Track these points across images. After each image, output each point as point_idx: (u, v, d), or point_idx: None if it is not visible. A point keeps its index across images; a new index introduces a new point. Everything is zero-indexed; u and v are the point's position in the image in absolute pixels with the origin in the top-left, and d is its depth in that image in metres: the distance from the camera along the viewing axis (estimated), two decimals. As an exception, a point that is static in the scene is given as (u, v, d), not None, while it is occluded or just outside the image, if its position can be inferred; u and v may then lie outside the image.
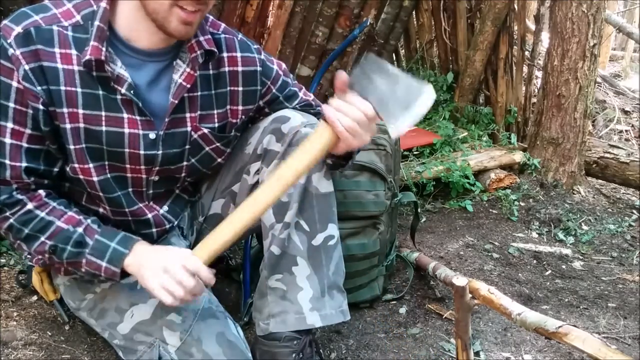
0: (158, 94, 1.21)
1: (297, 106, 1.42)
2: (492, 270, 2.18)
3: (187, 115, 1.25)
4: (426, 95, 1.05)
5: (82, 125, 1.16)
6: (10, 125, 1.12)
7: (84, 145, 1.18)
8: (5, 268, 1.81)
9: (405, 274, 2.02)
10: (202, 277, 1.13)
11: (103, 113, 1.16)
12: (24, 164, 1.14)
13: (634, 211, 2.94)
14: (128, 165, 1.24)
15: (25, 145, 1.14)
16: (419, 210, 2.10)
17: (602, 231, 2.67)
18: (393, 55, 3.74)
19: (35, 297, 1.65)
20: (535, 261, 2.33)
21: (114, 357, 1.43)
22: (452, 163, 2.84)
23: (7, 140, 1.13)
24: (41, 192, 1.19)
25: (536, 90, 3.69)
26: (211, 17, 1.29)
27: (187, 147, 1.28)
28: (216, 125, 1.30)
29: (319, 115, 1.44)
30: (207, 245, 1.14)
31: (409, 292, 1.93)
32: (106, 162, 1.22)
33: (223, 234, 1.14)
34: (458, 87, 3.41)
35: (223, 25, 1.31)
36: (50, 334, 1.52)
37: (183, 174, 1.34)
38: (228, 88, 1.30)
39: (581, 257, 2.43)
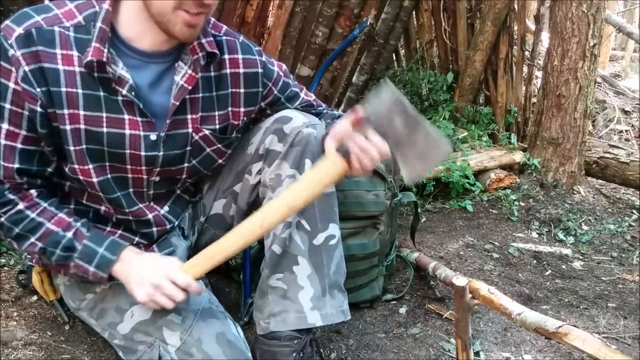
0: (159, 96, 1.21)
1: (298, 107, 1.42)
2: (492, 270, 2.18)
3: (189, 116, 1.26)
4: (443, 150, 1.05)
5: (82, 126, 1.16)
6: (5, 126, 1.12)
7: (84, 147, 1.18)
8: (5, 268, 1.81)
9: (405, 274, 2.02)
10: (192, 291, 1.17)
11: (104, 114, 1.16)
12: (16, 165, 1.15)
13: (634, 211, 2.94)
14: (129, 166, 1.24)
15: (19, 146, 1.14)
16: (419, 210, 2.10)
17: (602, 231, 2.67)
18: (393, 55, 3.75)
19: (35, 297, 1.65)
20: (535, 261, 2.33)
21: (114, 357, 1.43)
22: (452, 163, 2.84)
23: (2, 141, 1.13)
24: (33, 192, 1.20)
25: (536, 90, 3.70)
26: (213, 19, 1.30)
27: (188, 148, 1.29)
28: (217, 126, 1.31)
29: (320, 115, 1.44)
30: (200, 263, 1.17)
31: (409, 292, 1.93)
32: (107, 163, 1.22)
33: (221, 250, 1.16)
34: (458, 87, 3.42)
35: (225, 27, 1.32)
36: (50, 334, 1.52)
37: (184, 175, 1.34)
38: (229, 90, 1.31)
39: (581, 257, 2.43)
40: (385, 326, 1.75)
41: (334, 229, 1.35)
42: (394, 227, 1.92)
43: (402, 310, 1.85)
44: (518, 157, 3.09)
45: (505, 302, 1.39)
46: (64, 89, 1.12)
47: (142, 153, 1.22)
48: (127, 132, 1.19)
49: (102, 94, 1.15)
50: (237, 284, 1.86)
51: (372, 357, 1.60)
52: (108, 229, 1.33)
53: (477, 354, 1.61)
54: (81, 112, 1.15)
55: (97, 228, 1.31)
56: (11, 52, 1.08)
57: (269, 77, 1.36)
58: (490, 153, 3.06)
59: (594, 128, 4.53)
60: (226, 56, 1.28)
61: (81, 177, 1.21)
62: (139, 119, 1.19)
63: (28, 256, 1.39)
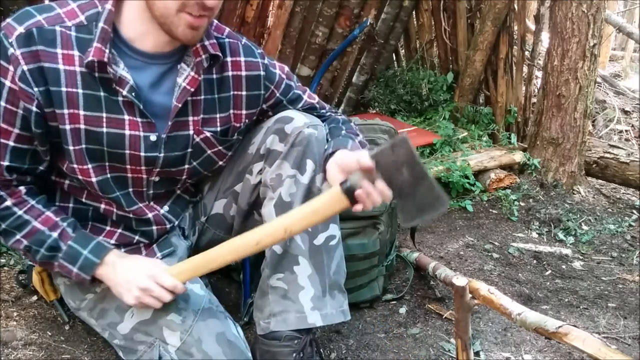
0: (160, 97, 1.21)
1: (300, 109, 1.42)
2: (492, 270, 2.18)
3: (190, 118, 1.26)
4: (441, 206, 1.09)
5: (82, 126, 1.16)
6: None
7: (83, 146, 1.18)
8: (5, 268, 1.81)
9: (405, 274, 2.02)
10: (179, 293, 1.19)
11: (104, 114, 1.16)
12: (6, 163, 1.15)
13: (634, 211, 2.94)
14: (128, 166, 1.24)
15: (11, 144, 1.15)
16: (419, 210, 2.10)
17: (602, 231, 2.67)
18: (393, 55, 3.75)
19: (35, 297, 1.65)
20: (535, 261, 2.33)
21: (114, 357, 1.43)
22: (452, 163, 2.84)
23: None
24: (22, 188, 1.20)
25: (536, 90, 3.70)
26: (216, 21, 1.29)
27: (189, 150, 1.29)
28: (219, 129, 1.31)
29: (322, 117, 1.43)
30: (187, 270, 1.19)
31: (409, 292, 1.93)
32: (106, 163, 1.22)
33: (211, 261, 1.17)
34: (458, 87, 3.42)
35: (227, 29, 1.32)
36: (50, 334, 1.52)
37: (184, 176, 1.34)
38: (231, 92, 1.31)
39: (581, 257, 2.43)
40: (385, 326, 1.75)
41: (335, 229, 1.35)
42: (394, 227, 1.92)
43: (402, 310, 1.85)
44: (518, 157, 3.09)
45: (505, 302, 1.39)
46: (64, 89, 1.12)
47: (142, 154, 1.22)
48: (127, 132, 1.19)
49: (102, 94, 1.15)
50: (237, 284, 1.86)
51: (372, 357, 1.60)
52: (108, 227, 1.33)
53: (477, 354, 1.62)
54: (81, 112, 1.15)
55: (94, 227, 1.31)
56: (11, 50, 1.08)
57: (271, 79, 1.36)
58: (490, 153, 3.07)
59: (594, 128, 4.53)
60: (228, 59, 1.28)
61: (80, 177, 1.21)
62: (139, 119, 1.19)
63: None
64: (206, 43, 1.21)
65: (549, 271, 2.25)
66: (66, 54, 1.12)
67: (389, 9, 3.35)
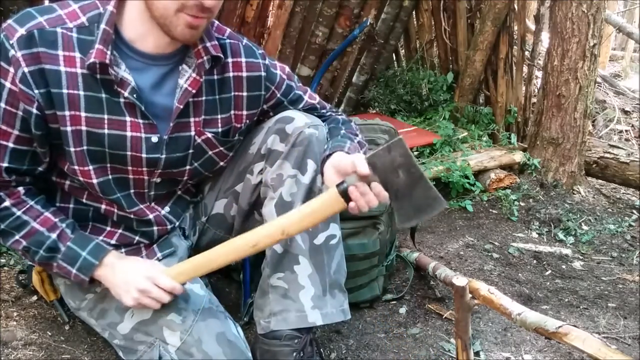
0: (161, 98, 1.21)
1: (301, 109, 1.42)
2: (492, 270, 2.18)
3: (191, 119, 1.26)
4: (438, 207, 1.12)
5: (84, 128, 1.16)
6: None
7: (85, 148, 1.18)
8: (5, 268, 1.81)
9: (405, 274, 2.02)
10: (177, 293, 1.20)
11: (105, 116, 1.16)
12: (5, 164, 1.15)
13: (634, 211, 2.94)
14: (130, 168, 1.24)
15: (10, 145, 1.15)
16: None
17: (602, 231, 2.67)
18: (393, 55, 3.75)
19: (35, 297, 1.65)
20: (535, 261, 2.33)
21: (114, 357, 1.43)
22: (452, 163, 2.84)
23: None
24: (20, 189, 1.20)
25: (536, 90, 3.70)
26: (217, 22, 1.29)
27: (191, 151, 1.29)
28: (220, 129, 1.31)
29: (322, 117, 1.43)
30: (186, 271, 1.19)
31: (409, 292, 1.93)
32: (108, 165, 1.22)
33: (210, 262, 1.18)
34: (458, 87, 3.42)
35: (228, 30, 1.32)
36: (50, 334, 1.52)
37: (185, 177, 1.34)
38: (232, 93, 1.31)
39: (581, 257, 2.43)
40: (385, 326, 1.75)
41: (335, 229, 1.36)
42: (394, 227, 1.92)
43: (402, 310, 1.85)
44: (518, 157, 3.09)
45: (505, 302, 1.39)
46: (65, 91, 1.12)
47: (144, 155, 1.22)
48: (129, 134, 1.19)
49: (103, 95, 1.15)
50: (237, 284, 1.86)
51: (372, 357, 1.60)
52: (108, 228, 1.33)
53: (477, 354, 1.62)
54: (82, 114, 1.15)
55: (95, 227, 1.31)
56: (12, 52, 1.08)
57: (272, 80, 1.35)
58: (490, 153, 3.07)
59: (594, 128, 4.53)
60: (229, 59, 1.28)
61: (81, 178, 1.21)
62: (140, 121, 1.19)
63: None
64: (208, 44, 1.21)
65: (549, 271, 2.25)
66: (67, 56, 1.11)
67: (389, 9, 3.35)
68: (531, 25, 4.07)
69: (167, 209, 1.38)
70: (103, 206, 1.29)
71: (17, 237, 1.20)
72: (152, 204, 1.34)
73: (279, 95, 1.38)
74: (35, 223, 1.20)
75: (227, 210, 1.45)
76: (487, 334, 1.73)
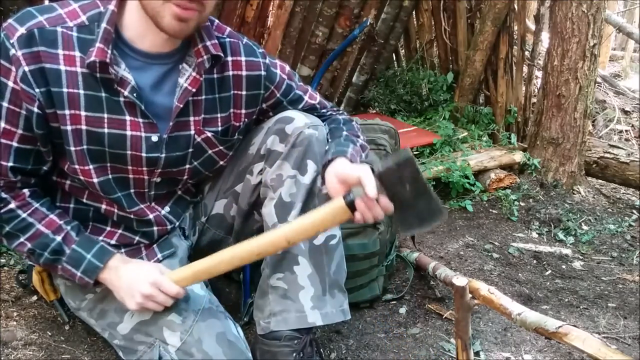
0: (161, 97, 1.21)
1: (301, 110, 1.42)
2: (492, 270, 2.18)
3: (191, 118, 1.26)
4: (439, 217, 1.14)
5: (84, 127, 1.16)
6: (1, 124, 1.13)
7: (85, 147, 1.18)
8: (5, 268, 1.81)
9: (405, 274, 2.02)
10: (180, 297, 1.20)
11: (105, 115, 1.16)
12: (10, 163, 1.16)
13: (634, 211, 2.94)
14: (130, 167, 1.24)
15: (15, 144, 1.15)
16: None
17: (602, 231, 2.67)
18: (393, 55, 3.75)
19: (35, 297, 1.65)
20: (535, 261, 2.33)
21: (114, 357, 1.43)
22: (452, 163, 2.84)
23: None
24: (25, 191, 1.20)
25: (536, 90, 3.70)
26: (217, 21, 1.29)
27: (190, 150, 1.29)
28: (219, 128, 1.31)
29: (323, 117, 1.43)
30: (189, 277, 1.20)
31: (409, 292, 1.93)
32: (108, 164, 1.22)
33: (213, 267, 1.18)
34: (458, 87, 3.42)
35: (228, 29, 1.31)
36: (50, 334, 1.52)
37: (185, 176, 1.34)
38: (232, 92, 1.30)
39: (581, 257, 2.43)
40: (385, 326, 1.75)
41: (335, 229, 1.35)
42: (394, 227, 1.92)
43: (402, 310, 1.85)
44: (518, 157, 3.09)
45: (505, 302, 1.39)
46: (65, 90, 1.13)
47: (143, 154, 1.22)
48: (128, 133, 1.19)
49: (103, 94, 1.15)
50: (237, 284, 1.86)
51: (372, 357, 1.60)
52: (108, 228, 1.33)
53: (477, 354, 1.62)
54: (82, 113, 1.15)
55: (95, 227, 1.31)
56: (12, 51, 1.08)
57: (272, 80, 1.35)
58: (490, 153, 3.07)
59: (594, 128, 4.53)
60: (229, 58, 1.28)
61: (82, 177, 1.21)
62: (140, 120, 1.19)
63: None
64: (207, 43, 1.21)
65: (549, 271, 2.25)
66: (67, 55, 1.12)
67: (389, 9, 3.35)
68: (531, 25, 4.07)
69: (167, 208, 1.38)
70: (103, 206, 1.29)
71: (22, 239, 1.19)
72: (152, 203, 1.34)
73: (278, 95, 1.38)
74: (40, 225, 1.20)
75: (226, 210, 1.45)
76: (487, 334, 1.73)
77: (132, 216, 1.30)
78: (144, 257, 1.35)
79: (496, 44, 3.24)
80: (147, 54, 1.18)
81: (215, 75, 1.27)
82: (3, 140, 1.14)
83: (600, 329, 1.80)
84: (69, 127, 1.15)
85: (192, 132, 1.27)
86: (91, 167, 1.20)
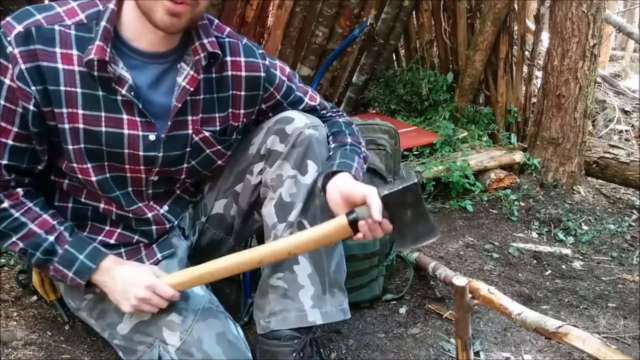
0: (159, 96, 1.21)
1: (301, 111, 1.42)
2: (492, 270, 2.18)
3: (189, 118, 1.26)
4: (434, 237, 1.20)
5: (81, 125, 1.16)
6: None
7: (82, 146, 1.18)
8: (5, 268, 1.81)
9: (405, 274, 2.02)
10: (175, 300, 1.21)
11: (102, 114, 1.16)
12: (5, 161, 1.15)
13: (634, 211, 2.94)
14: (127, 166, 1.24)
15: (10, 142, 1.15)
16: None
17: (602, 231, 2.67)
18: (393, 55, 3.75)
19: (35, 297, 1.65)
20: (535, 261, 2.33)
21: (114, 357, 1.43)
22: (452, 163, 2.84)
23: None
24: (19, 190, 1.20)
25: (536, 90, 3.70)
26: (216, 21, 1.29)
27: (188, 149, 1.29)
28: (218, 128, 1.31)
29: (323, 119, 1.43)
30: (187, 281, 1.21)
31: (409, 292, 1.93)
32: (105, 163, 1.22)
33: (213, 273, 1.20)
34: (458, 87, 3.42)
35: (228, 29, 1.31)
36: (50, 334, 1.52)
37: (183, 176, 1.34)
38: (230, 92, 1.30)
39: (581, 257, 2.43)
40: (385, 326, 1.75)
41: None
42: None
43: (402, 310, 1.85)
44: (518, 157, 3.09)
45: (505, 302, 1.39)
46: (62, 88, 1.13)
47: (141, 153, 1.22)
48: (126, 132, 1.19)
49: (101, 93, 1.15)
50: (237, 284, 1.86)
51: (372, 357, 1.60)
52: (107, 227, 1.33)
53: (477, 354, 1.62)
54: (80, 112, 1.15)
55: (93, 226, 1.31)
56: (9, 49, 1.08)
57: (272, 81, 1.35)
58: (490, 153, 3.07)
59: (594, 128, 4.53)
60: (228, 58, 1.28)
61: (80, 176, 1.21)
62: (137, 119, 1.19)
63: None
64: (205, 41, 1.21)
65: (549, 271, 2.25)
66: (65, 53, 1.12)
67: (389, 9, 3.35)
68: (531, 25, 4.07)
69: (165, 207, 1.37)
70: (102, 205, 1.29)
71: (14, 238, 1.19)
72: (151, 202, 1.34)
73: (278, 97, 1.38)
74: (33, 225, 1.19)
75: (226, 210, 1.45)
76: (487, 334, 1.73)
77: (130, 215, 1.30)
78: (144, 257, 1.34)
79: (496, 44, 3.24)
80: (145, 53, 1.18)
81: (213, 75, 1.27)
82: None
83: (600, 329, 1.80)
84: (66, 126, 1.15)
85: (190, 131, 1.27)
86: (89, 165, 1.20)
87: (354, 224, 1.15)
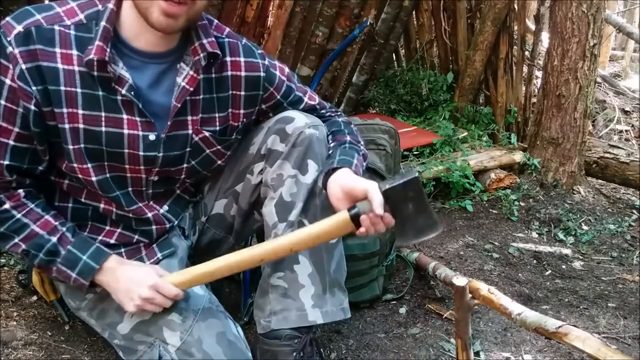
0: (159, 96, 1.21)
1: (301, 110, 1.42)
2: (492, 270, 2.18)
3: (189, 118, 1.26)
4: (436, 231, 1.20)
5: (81, 125, 1.16)
6: None
7: (82, 146, 1.18)
8: (5, 268, 1.81)
9: (405, 274, 2.02)
10: (179, 299, 1.21)
11: (102, 114, 1.16)
12: (6, 162, 1.15)
13: (634, 211, 2.94)
14: (127, 166, 1.24)
15: (11, 143, 1.15)
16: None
17: (602, 231, 2.67)
18: (393, 55, 3.75)
19: (35, 297, 1.65)
20: (535, 261, 2.33)
21: (114, 357, 1.43)
22: (452, 163, 2.84)
23: None
24: (20, 191, 1.20)
25: (536, 90, 3.70)
26: (216, 21, 1.29)
27: (188, 149, 1.29)
28: (217, 128, 1.31)
29: (322, 119, 1.43)
30: (189, 280, 1.21)
31: (409, 292, 1.93)
32: (105, 163, 1.22)
33: (215, 271, 1.19)
34: (458, 87, 3.42)
35: (227, 29, 1.31)
36: (50, 334, 1.52)
37: (182, 176, 1.34)
38: (230, 92, 1.30)
39: (581, 257, 2.43)
40: (385, 326, 1.75)
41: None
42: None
43: (402, 310, 1.85)
44: (518, 157, 3.09)
45: (505, 302, 1.39)
46: (63, 88, 1.13)
47: (141, 153, 1.22)
48: (126, 131, 1.19)
49: (101, 93, 1.15)
50: (237, 284, 1.86)
51: (372, 357, 1.60)
52: (107, 227, 1.33)
53: (477, 354, 1.62)
54: (80, 111, 1.15)
55: (94, 226, 1.31)
56: (9, 49, 1.08)
57: (271, 81, 1.35)
58: (490, 153, 3.07)
59: (594, 128, 4.53)
60: (228, 58, 1.28)
61: (80, 176, 1.21)
62: (137, 119, 1.19)
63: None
64: (204, 41, 1.21)
65: (549, 271, 2.25)
66: (64, 53, 1.12)
67: (389, 9, 3.35)
68: (531, 25, 4.08)
69: (165, 207, 1.37)
70: (102, 205, 1.29)
71: (16, 240, 1.19)
72: (151, 202, 1.34)
73: (278, 97, 1.38)
74: (35, 226, 1.19)
75: (227, 210, 1.45)
76: (487, 334, 1.73)
77: (130, 215, 1.30)
78: (144, 257, 1.34)
79: (496, 44, 3.24)
80: (144, 53, 1.18)
81: (213, 75, 1.27)
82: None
83: (600, 329, 1.80)
84: (66, 126, 1.15)
85: (190, 131, 1.27)
86: (89, 165, 1.20)
87: (356, 219, 1.15)
